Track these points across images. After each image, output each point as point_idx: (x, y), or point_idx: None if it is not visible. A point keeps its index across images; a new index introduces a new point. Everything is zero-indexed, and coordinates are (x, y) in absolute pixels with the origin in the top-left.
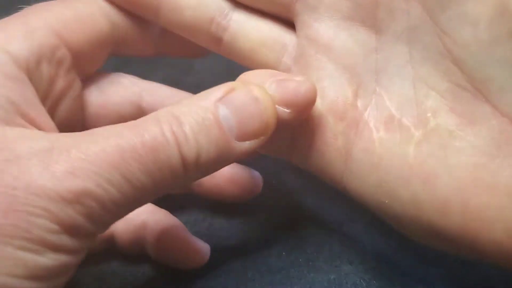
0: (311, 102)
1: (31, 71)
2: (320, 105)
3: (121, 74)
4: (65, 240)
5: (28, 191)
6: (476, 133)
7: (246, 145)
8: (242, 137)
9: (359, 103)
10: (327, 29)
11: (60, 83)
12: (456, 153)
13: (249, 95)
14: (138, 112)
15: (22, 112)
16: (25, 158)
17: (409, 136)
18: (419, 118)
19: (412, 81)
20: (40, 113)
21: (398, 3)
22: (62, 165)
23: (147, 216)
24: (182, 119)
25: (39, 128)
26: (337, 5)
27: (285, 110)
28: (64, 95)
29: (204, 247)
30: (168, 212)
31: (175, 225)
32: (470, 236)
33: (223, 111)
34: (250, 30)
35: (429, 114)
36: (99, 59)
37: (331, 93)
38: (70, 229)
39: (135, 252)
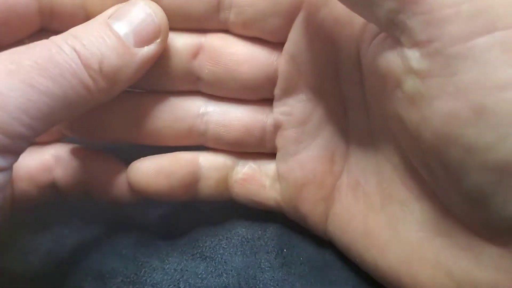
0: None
1: None
2: (301, 177)
3: None
4: None
5: None
6: (423, 209)
7: (145, 50)
8: (140, 43)
9: (335, 169)
10: (299, 104)
11: None
12: (405, 227)
13: (137, 5)
14: None
15: None
16: None
17: (369, 204)
18: (378, 187)
19: (374, 150)
20: None
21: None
22: None
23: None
24: (79, 35)
25: None
26: (303, 84)
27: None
28: None
29: None
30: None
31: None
32: None
33: (116, 22)
34: (231, 122)
35: (385, 185)
36: None
37: (309, 163)
38: None
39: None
